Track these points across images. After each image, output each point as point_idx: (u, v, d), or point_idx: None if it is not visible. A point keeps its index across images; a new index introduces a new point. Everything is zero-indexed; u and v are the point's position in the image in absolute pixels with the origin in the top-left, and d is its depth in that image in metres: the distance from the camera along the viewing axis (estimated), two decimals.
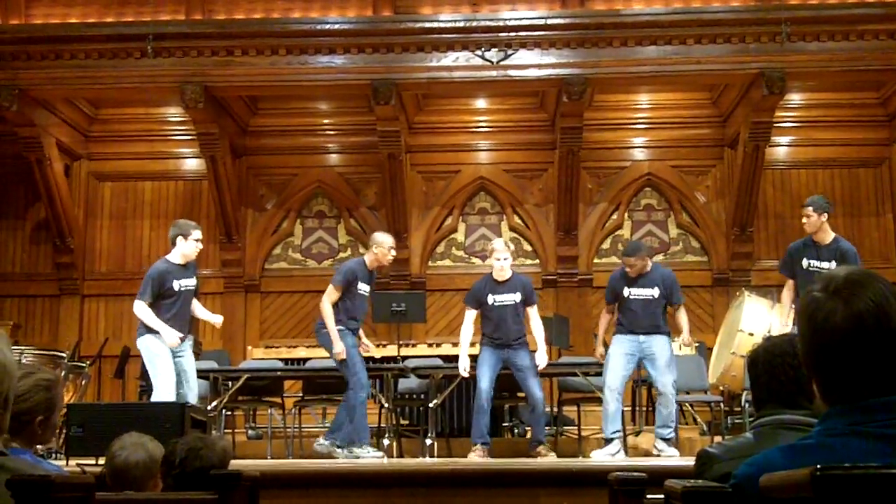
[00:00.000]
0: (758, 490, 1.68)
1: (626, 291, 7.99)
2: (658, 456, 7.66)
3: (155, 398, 7.29)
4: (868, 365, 1.67)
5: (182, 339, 7.54)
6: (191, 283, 7.69)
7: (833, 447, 1.65)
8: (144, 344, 7.51)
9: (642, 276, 7.98)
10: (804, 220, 7.77)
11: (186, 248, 7.61)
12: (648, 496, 2.45)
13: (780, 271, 8.24)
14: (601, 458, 7.63)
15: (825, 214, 7.75)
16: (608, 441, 7.78)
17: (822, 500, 1.15)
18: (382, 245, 8.09)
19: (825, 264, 7.62)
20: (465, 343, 8.16)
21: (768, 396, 2.52)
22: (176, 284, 7.56)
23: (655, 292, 7.93)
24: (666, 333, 7.99)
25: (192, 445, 3.31)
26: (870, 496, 1.21)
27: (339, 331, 7.87)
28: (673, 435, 7.82)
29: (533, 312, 8.15)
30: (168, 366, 7.44)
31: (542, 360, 8.03)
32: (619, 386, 7.82)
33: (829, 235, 7.77)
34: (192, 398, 7.54)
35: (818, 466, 1.15)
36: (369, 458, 7.56)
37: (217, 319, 7.93)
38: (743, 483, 1.77)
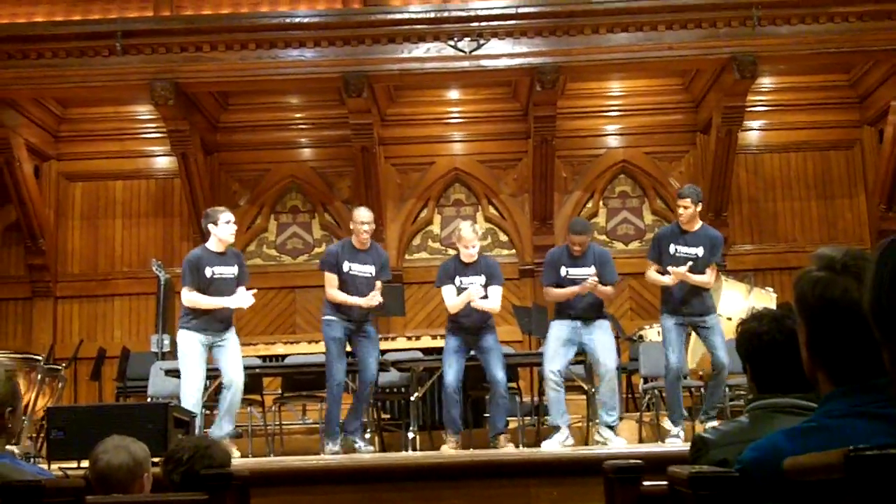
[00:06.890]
0: (764, 474, 1.66)
1: (563, 271, 7.75)
2: (605, 444, 7.41)
3: (181, 400, 7.13)
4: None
5: (224, 328, 7.41)
6: (227, 271, 7.47)
7: (837, 429, 1.64)
8: (179, 340, 7.41)
9: (580, 256, 7.74)
10: (681, 210, 7.66)
11: (220, 232, 7.43)
12: (645, 483, 2.42)
13: (648, 257, 7.99)
14: (552, 447, 7.41)
15: (699, 204, 7.77)
16: (556, 429, 7.59)
17: (854, 481, 1.13)
18: (354, 220, 7.86)
19: (692, 250, 7.64)
20: (460, 299, 7.74)
21: (769, 378, 2.49)
22: (208, 271, 7.39)
23: (591, 271, 7.66)
24: (605, 317, 7.83)
25: (199, 444, 3.29)
26: None
27: (327, 321, 7.79)
28: (618, 422, 7.70)
29: (494, 291, 7.81)
30: (193, 367, 7.28)
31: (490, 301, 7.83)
32: (559, 372, 7.60)
33: (697, 223, 7.78)
34: (233, 391, 7.34)
35: (851, 448, 1.13)
36: (327, 450, 7.59)
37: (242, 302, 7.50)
38: (749, 467, 1.75)
